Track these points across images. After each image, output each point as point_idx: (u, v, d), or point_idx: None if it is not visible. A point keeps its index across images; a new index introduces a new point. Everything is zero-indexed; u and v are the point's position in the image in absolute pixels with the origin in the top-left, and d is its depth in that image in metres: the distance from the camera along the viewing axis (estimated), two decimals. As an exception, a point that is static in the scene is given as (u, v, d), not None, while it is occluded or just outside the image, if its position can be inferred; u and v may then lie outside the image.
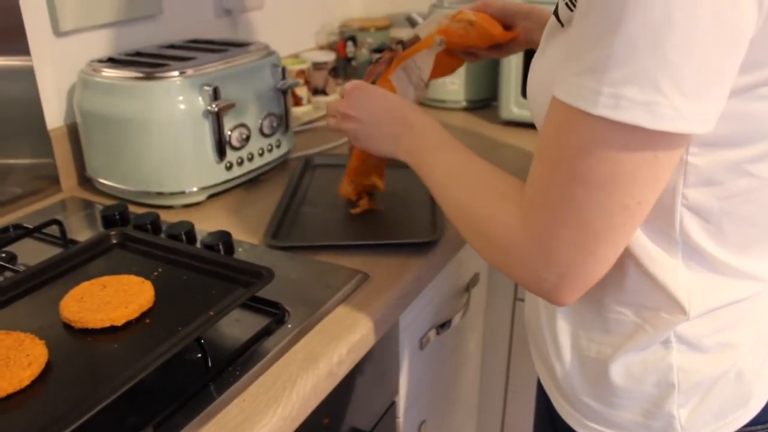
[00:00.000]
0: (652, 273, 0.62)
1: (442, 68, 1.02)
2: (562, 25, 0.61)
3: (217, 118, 1.07)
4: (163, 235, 0.95)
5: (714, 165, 0.56)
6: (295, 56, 1.71)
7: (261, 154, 1.18)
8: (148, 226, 0.97)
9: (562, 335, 0.72)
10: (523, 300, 1.15)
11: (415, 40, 0.99)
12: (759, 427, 0.67)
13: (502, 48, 1.02)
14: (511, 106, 1.46)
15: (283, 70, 1.20)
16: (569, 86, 0.52)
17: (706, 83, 0.48)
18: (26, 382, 0.64)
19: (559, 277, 0.58)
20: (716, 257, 0.61)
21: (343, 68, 1.80)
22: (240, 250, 0.96)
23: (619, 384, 0.67)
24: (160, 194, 1.09)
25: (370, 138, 0.86)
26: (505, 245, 0.61)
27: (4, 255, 0.92)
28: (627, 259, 0.63)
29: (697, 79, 0.47)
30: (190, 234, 0.96)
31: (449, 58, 1.02)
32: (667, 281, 0.62)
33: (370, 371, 0.90)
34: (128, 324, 0.72)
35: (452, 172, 0.71)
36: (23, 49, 1.08)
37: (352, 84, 0.89)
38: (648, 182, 0.53)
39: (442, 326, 1.09)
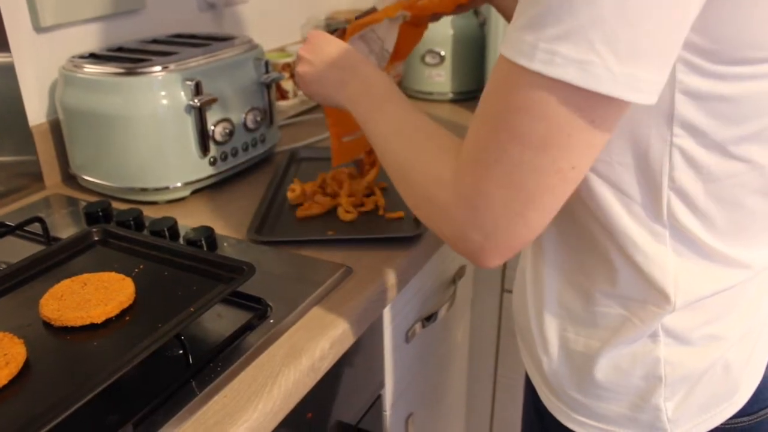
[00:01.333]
0: (639, 263, 0.62)
1: (410, 39, 1.01)
2: None
3: (199, 113, 1.06)
4: (146, 232, 0.95)
5: (698, 147, 0.56)
6: (281, 49, 1.70)
7: (245, 149, 1.17)
8: (131, 223, 0.97)
9: (550, 329, 0.72)
10: (510, 291, 1.15)
11: (372, 11, 0.98)
12: (745, 419, 0.67)
13: (466, 5, 1.02)
14: (498, 97, 1.46)
15: (267, 63, 1.19)
16: (510, 41, 0.51)
17: (644, 50, 0.47)
18: (3, 381, 0.63)
19: (484, 237, 0.56)
20: (705, 242, 0.61)
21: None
22: (225, 245, 0.96)
23: (607, 377, 0.67)
24: (143, 190, 1.09)
25: (317, 82, 0.84)
26: (435, 200, 0.60)
27: (-15, 253, 0.92)
28: (614, 250, 0.63)
29: (632, 43, 0.46)
30: (174, 230, 0.95)
31: (414, 27, 1.01)
32: (654, 270, 0.61)
33: (355, 365, 0.90)
34: (108, 321, 0.72)
35: (394, 125, 0.70)
36: (3, 45, 1.08)
37: (313, 30, 0.88)
38: (583, 147, 0.52)
39: (428, 319, 1.09)
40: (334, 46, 0.83)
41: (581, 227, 0.66)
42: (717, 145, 0.56)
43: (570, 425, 0.72)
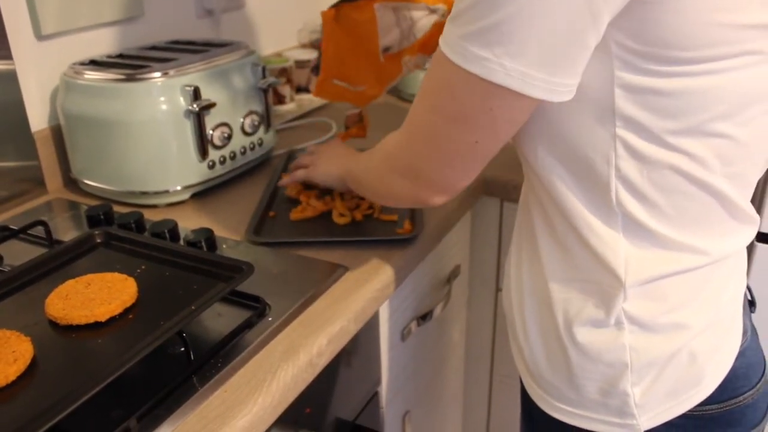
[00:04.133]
0: (593, 245, 0.66)
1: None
2: None
3: (198, 118, 1.08)
4: (147, 234, 0.97)
5: (639, 138, 0.61)
6: (278, 55, 1.72)
7: (243, 153, 1.20)
8: (133, 225, 0.99)
9: (528, 317, 0.75)
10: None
11: None
12: (714, 406, 0.70)
13: None
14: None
15: (264, 69, 1.22)
16: (444, 31, 0.61)
17: (533, 53, 0.55)
18: (12, 377, 0.66)
19: (415, 180, 0.71)
20: (654, 229, 0.65)
21: (326, 66, 1.82)
22: (224, 246, 0.98)
23: (578, 364, 0.70)
24: (144, 194, 1.11)
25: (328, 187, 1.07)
26: (386, 167, 0.76)
27: (-10, 256, 0.94)
28: (571, 235, 0.68)
29: (523, 46, 0.55)
30: (174, 232, 0.97)
31: None
32: (606, 252, 0.66)
33: (352, 362, 0.93)
34: (112, 320, 0.75)
35: (363, 165, 0.86)
36: (5, 53, 1.10)
37: (301, 162, 1.11)
38: (486, 128, 0.63)
39: (423, 318, 1.11)
40: (322, 170, 1.05)
41: (544, 216, 0.71)
42: (656, 137, 0.61)
43: (550, 412, 0.75)
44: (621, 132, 0.61)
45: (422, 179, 0.70)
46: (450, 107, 0.63)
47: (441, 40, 0.61)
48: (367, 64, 0.90)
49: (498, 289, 1.36)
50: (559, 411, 0.74)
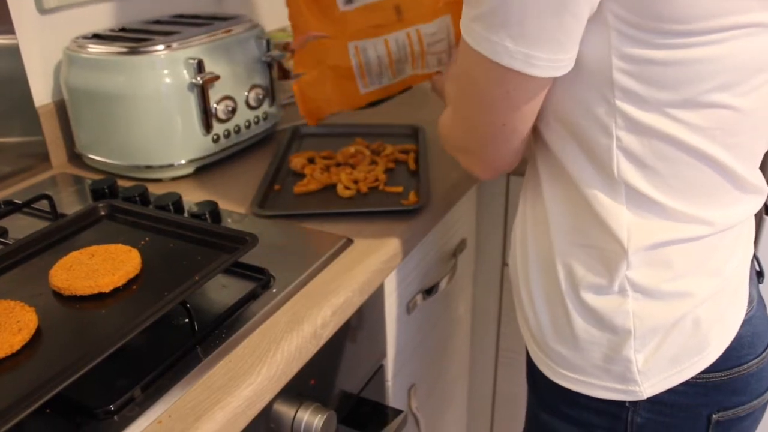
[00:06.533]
0: (598, 213, 0.67)
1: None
2: None
3: (202, 91, 1.08)
4: (151, 207, 0.97)
5: (638, 109, 0.61)
6: (283, 30, 1.71)
7: (248, 127, 1.19)
8: (137, 199, 0.99)
9: (534, 284, 0.75)
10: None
11: None
12: (717, 374, 0.70)
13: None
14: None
15: (268, 41, 1.21)
16: (462, 12, 0.63)
17: (531, 33, 0.57)
18: (17, 347, 0.66)
19: (467, 156, 0.75)
20: (659, 201, 0.65)
21: (331, 41, 1.80)
22: (229, 220, 0.98)
23: (581, 330, 0.71)
24: (148, 168, 1.11)
25: None
26: (444, 140, 0.80)
27: (-6, 229, 0.93)
28: (575, 201, 0.68)
29: (521, 27, 0.57)
30: (178, 205, 0.97)
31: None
32: (610, 220, 0.66)
33: (357, 335, 0.93)
34: (116, 290, 0.74)
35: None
36: (8, 28, 1.09)
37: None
38: (508, 111, 0.64)
39: (429, 292, 1.11)
40: None
41: (551, 183, 0.72)
42: (654, 108, 0.61)
43: (554, 378, 0.75)
44: (620, 103, 0.61)
45: (472, 156, 0.74)
46: (473, 92, 0.65)
47: (461, 21, 0.63)
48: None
49: (504, 264, 1.36)
50: (562, 377, 0.74)
